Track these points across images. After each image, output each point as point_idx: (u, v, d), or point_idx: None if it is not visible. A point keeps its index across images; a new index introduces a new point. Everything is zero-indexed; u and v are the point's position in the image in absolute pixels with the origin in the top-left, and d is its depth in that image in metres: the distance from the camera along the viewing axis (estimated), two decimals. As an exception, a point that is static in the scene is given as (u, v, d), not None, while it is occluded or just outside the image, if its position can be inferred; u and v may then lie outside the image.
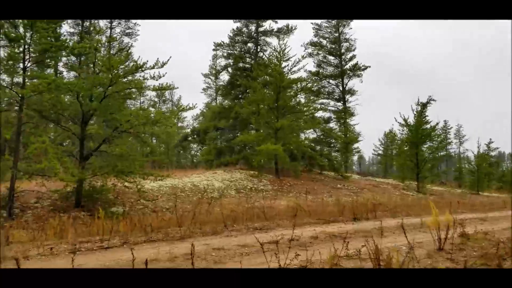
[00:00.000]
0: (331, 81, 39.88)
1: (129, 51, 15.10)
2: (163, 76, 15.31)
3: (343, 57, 39.68)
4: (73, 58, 32.87)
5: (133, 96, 21.51)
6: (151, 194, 17.41)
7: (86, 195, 14.87)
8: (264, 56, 34.55)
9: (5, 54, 14.87)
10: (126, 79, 15.51)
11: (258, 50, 35.41)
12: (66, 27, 34.66)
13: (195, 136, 34.79)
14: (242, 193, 20.63)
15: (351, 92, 39.23)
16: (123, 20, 37.95)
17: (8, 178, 15.82)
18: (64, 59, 32.58)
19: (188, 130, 41.04)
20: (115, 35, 34.23)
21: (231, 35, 35.48)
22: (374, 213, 13.97)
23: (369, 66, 38.81)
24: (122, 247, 8.86)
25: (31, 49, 14.20)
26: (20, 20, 13.83)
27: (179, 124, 46.43)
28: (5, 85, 14.11)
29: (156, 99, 44.95)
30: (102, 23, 35.74)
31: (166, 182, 19.42)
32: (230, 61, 35.75)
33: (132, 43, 35.94)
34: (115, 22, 38.09)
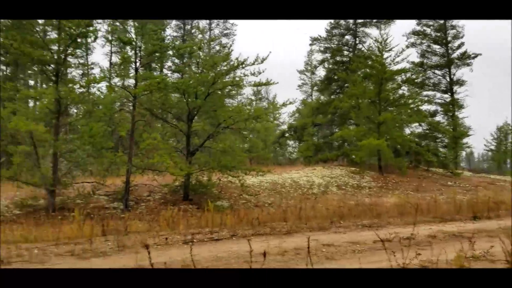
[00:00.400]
0: (436, 71, 37.19)
1: (230, 49, 15.35)
2: (263, 72, 15.35)
3: (449, 45, 36.80)
4: (176, 61, 34.79)
5: (233, 93, 21.84)
6: (253, 189, 17.57)
7: (193, 189, 15.42)
8: (363, 48, 33.29)
9: (118, 58, 15.90)
10: (228, 77, 15.80)
11: (357, 42, 34.23)
12: (169, 31, 36.64)
13: (292, 132, 34.67)
14: (344, 190, 19.99)
15: (460, 82, 36.22)
16: (221, 21, 39.18)
17: (122, 173, 17.01)
18: (168, 62, 34.55)
19: (284, 127, 41.08)
20: (214, 36, 35.47)
21: (328, 28, 34.75)
22: (497, 212, 12.63)
23: (480, 54, 35.57)
24: (231, 239, 8.94)
25: (141, 52, 15.06)
26: (132, 23, 14.75)
27: (275, 122, 46.68)
28: (119, 86, 15.12)
29: (252, 97, 45.68)
30: (201, 24, 37.24)
31: (266, 178, 19.50)
32: (327, 55, 35.02)
33: (231, 43, 36.95)
34: (213, 24, 39.46)
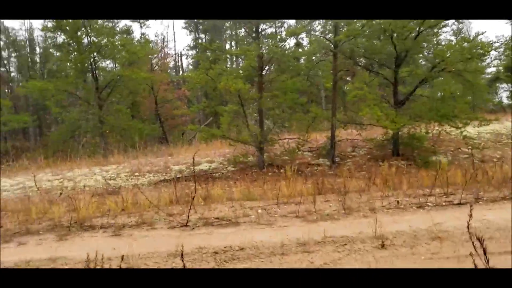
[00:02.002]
0: None
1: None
2: None
3: None
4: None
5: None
6: (472, 141, 15.01)
7: (403, 143, 13.85)
8: None
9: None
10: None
11: None
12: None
13: (509, 73, 29.09)
14: None
15: None
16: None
17: (322, 128, 16.39)
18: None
19: (492, 70, 34.83)
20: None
21: None
22: None
23: None
24: (477, 204, 7.27)
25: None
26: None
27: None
28: (318, 36, 14.18)
29: (452, 38, 39.74)
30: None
31: (486, 128, 16.52)
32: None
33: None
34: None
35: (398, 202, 7.39)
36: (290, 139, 14.89)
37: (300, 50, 14.60)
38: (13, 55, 38.27)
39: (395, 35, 12.57)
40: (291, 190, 9.20)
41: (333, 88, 13.16)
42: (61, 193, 8.66)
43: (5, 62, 37.92)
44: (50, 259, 5.34)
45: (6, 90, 33.95)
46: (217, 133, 14.48)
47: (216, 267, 4.92)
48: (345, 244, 5.36)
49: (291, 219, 6.87)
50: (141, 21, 40.89)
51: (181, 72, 40.58)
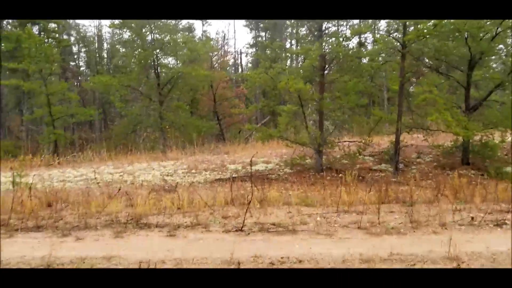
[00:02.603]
0: None
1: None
2: None
3: None
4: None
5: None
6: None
7: (473, 151, 12.87)
8: None
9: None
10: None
11: None
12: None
13: None
14: None
15: None
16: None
17: (386, 132, 15.63)
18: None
19: None
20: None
21: None
22: None
23: None
24: None
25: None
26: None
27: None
28: (385, 35, 13.46)
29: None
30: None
31: None
32: None
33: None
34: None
35: (472, 218, 6.72)
36: (351, 142, 14.30)
37: (363, 50, 13.90)
38: (82, 50, 40.20)
39: (468, 35, 11.64)
40: (352, 198, 8.71)
41: (399, 90, 12.42)
42: (119, 189, 8.75)
43: (75, 57, 39.91)
44: (105, 258, 5.29)
45: (76, 84, 35.65)
46: (274, 134, 14.19)
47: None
48: (414, 264, 4.88)
49: (352, 231, 6.44)
50: (203, 19, 41.45)
51: (240, 70, 40.75)
